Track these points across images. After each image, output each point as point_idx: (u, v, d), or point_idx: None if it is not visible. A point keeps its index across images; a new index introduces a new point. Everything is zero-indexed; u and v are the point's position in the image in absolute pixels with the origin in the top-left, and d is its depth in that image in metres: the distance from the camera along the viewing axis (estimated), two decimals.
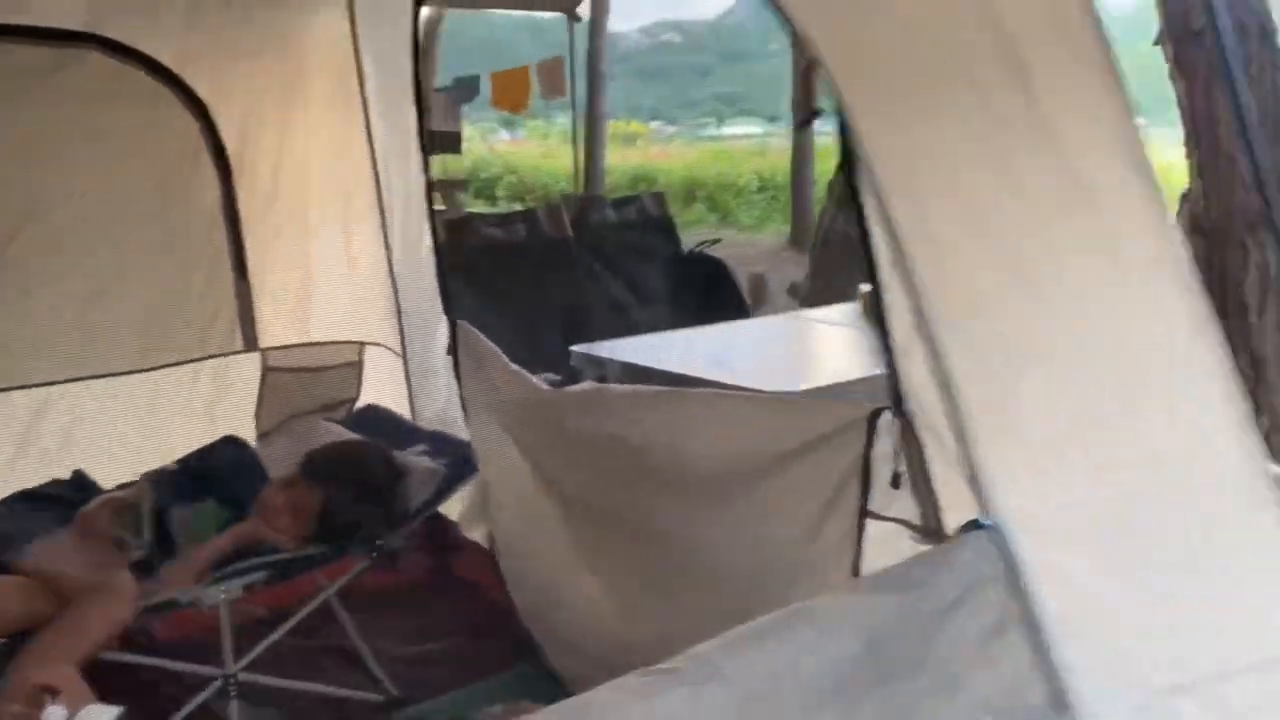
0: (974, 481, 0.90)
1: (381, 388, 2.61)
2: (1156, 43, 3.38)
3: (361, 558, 2.06)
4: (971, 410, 0.90)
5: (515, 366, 1.87)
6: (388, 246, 2.33)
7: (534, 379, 1.85)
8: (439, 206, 4.86)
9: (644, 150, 25.95)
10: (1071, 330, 0.93)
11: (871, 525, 1.28)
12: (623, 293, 3.60)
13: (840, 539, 1.30)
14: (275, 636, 1.99)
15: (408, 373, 2.54)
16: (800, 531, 1.36)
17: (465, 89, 11.49)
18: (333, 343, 2.45)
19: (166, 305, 2.33)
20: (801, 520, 1.36)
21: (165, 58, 2.18)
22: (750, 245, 10.48)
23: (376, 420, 2.51)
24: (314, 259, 2.35)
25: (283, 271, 2.34)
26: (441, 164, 15.00)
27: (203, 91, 2.24)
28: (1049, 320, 0.93)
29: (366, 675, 2.16)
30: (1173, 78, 3.39)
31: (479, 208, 15.88)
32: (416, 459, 2.19)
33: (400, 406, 2.59)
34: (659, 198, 3.52)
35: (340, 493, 1.99)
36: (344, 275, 2.37)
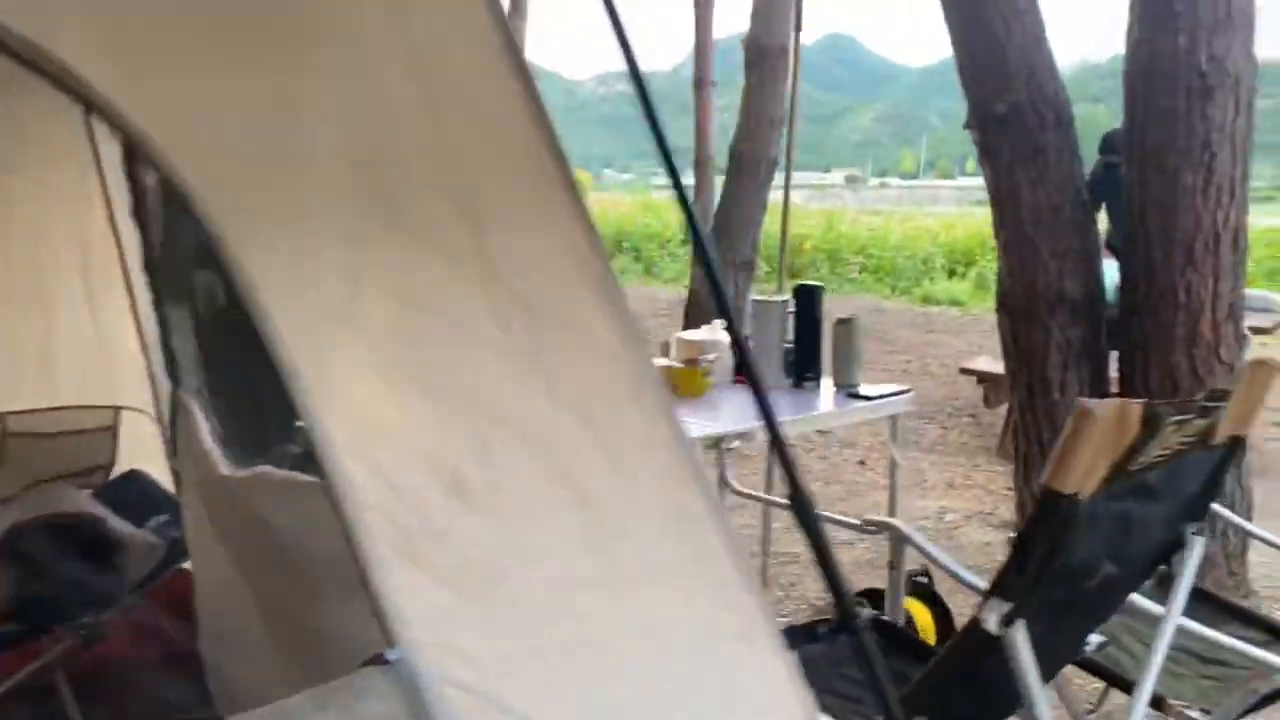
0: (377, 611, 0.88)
1: (154, 455, 2.57)
2: (966, 126, 3.49)
3: (68, 635, 2.00)
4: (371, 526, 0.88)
5: (208, 444, 1.84)
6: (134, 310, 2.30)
7: (216, 455, 1.82)
8: None
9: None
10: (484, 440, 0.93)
11: None
12: None
13: None
14: None
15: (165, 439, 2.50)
16: None
17: None
18: (83, 407, 2.41)
19: None
20: None
21: None
22: (653, 299, 10.55)
23: (131, 488, 2.46)
24: (58, 322, 2.31)
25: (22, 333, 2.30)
26: None
27: None
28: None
29: None
30: (980, 161, 3.49)
31: None
32: (137, 533, 2.14)
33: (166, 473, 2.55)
34: None
35: (37, 569, 1.94)
36: (91, 339, 2.33)
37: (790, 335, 2.62)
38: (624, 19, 1.00)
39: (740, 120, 5.97)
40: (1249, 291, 6.10)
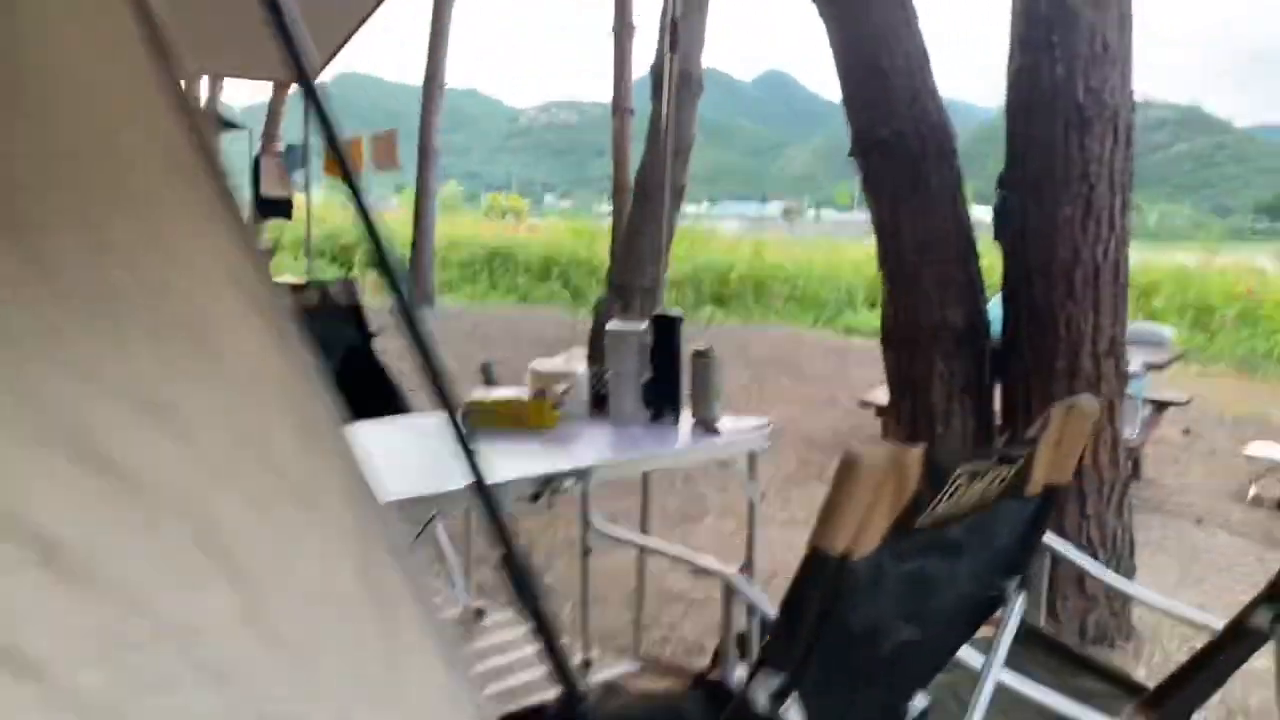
0: None
1: None
2: (850, 154, 3.41)
3: None
4: None
5: None
6: None
7: None
8: None
9: (514, 226, 26.04)
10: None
11: None
12: None
13: None
14: None
15: None
16: None
17: (294, 156, 11.33)
18: None
19: None
20: None
21: None
22: (572, 328, 10.40)
23: None
24: None
25: None
26: (279, 229, 14.69)
27: None
28: None
29: None
30: (863, 190, 3.42)
31: (333, 273, 15.74)
32: None
33: None
34: (349, 285, 3.34)
35: None
36: None
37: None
38: (294, 29, 0.85)
39: (646, 148, 5.88)
40: (1144, 325, 6.14)
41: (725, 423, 2.45)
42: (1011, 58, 3.15)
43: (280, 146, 12.13)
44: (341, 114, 1.03)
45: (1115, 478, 3.25)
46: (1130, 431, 4.76)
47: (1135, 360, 5.03)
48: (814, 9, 3.30)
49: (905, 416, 3.48)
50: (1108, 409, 3.19)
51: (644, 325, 2.45)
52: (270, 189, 11.16)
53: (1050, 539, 1.73)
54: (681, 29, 6.02)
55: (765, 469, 5.43)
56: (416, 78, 11.57)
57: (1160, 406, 5.73)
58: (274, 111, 12.16)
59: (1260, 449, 5.53)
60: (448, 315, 11.62)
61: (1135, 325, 5.68)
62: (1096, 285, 3.10)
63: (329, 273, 15.46)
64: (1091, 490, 3.21)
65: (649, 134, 5.88)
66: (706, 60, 6.30)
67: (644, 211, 5.87)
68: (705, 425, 2.42)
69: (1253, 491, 5.49)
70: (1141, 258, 13.06)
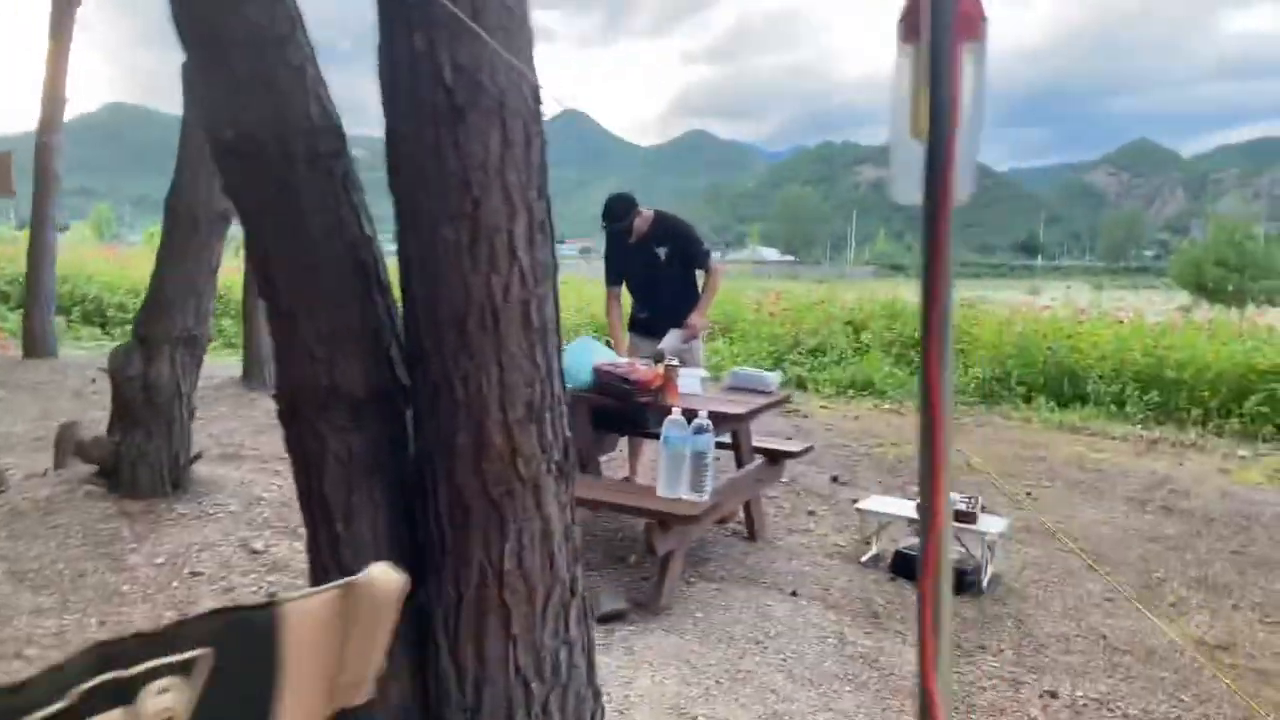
0: None
1: None
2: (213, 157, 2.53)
3: None
4: None
5: None
6: None
7: None
8: None
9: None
10: None
11: None
12: None
13: None
14: None
15: None
16: None
17: None
18: None
19: None
20: None
21: None
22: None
23: None
24: None
25: None
26: None
27: None
28: None
29: None
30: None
31: None
32: None
33: None
34: None
35: None
36: None
37: None
38: None
39: (176, 169, 4.87)
40: (748, 371, 5.60)
41: None
42: (380, 25, 2.36)
43: None
44: None
45: (552, 583, 2.49)
46: (699, 495, 4.10)
47: (737, 406, 4.39)
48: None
49: (307, 508, 2.61)
50: (534, 490, 2.43)
51: None
52: None
53: None
54: None
55: None
56: None
57: (775, 458, 5.17)
58: None
59: (871, 504, 5.03)
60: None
61: (743, 371, 5.09)
62: (496, 331, 2.33)
63: None
64: (517, 604, 2.43)
65: (179, 155, 4.86)
66: None
67: (176, 243, 4.83)
68: None
69: (872, 550, 4.99)
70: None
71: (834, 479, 6.50)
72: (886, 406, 9.81)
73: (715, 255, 5.69)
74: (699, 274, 5.54)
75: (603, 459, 5.74)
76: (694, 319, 5.38)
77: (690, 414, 4.06)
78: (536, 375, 2.42)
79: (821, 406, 9.67)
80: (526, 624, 2.46)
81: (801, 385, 10.68)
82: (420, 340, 2.40)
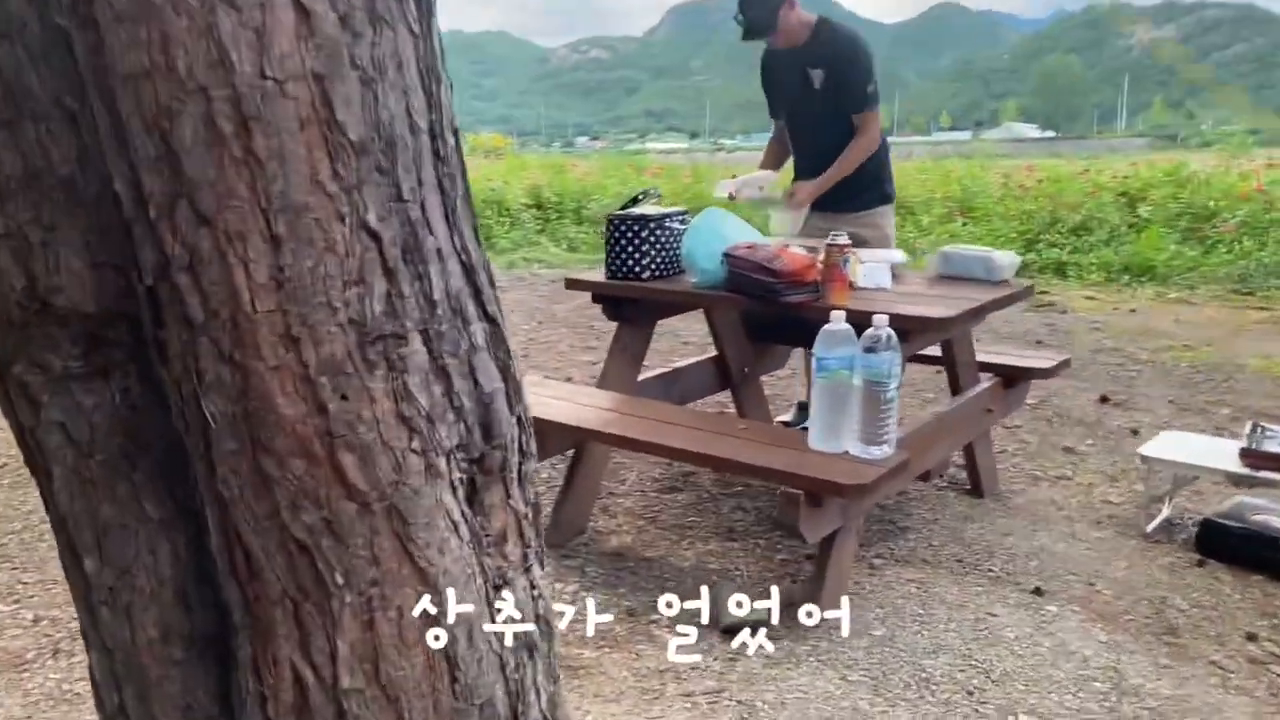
0: None
1: None
2: None
3: None
4: None
5: None
6: None
7: None
8: None
9: (503, 163, 23.48)
10: None
11: None
12: None
13: None
14: None
15: None
16: None
17: None
18: None
19: None
20: None
21: None
22: None
23: None
24: None
25: None
26: None
27: None
28: None
29: None
30: None
31: None
32: None
33: None
34: None
35: None
36: None
37: None
38: None
39: None
40: (966, 250, 3.91)
41: None
42: None
43: None
44: None
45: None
46: (876, 447, 2.59)
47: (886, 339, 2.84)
48: None
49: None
50: (392, 521, 1.10)
51: None
52: None
53: None
54: None
55: None
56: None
57: (1012, 378, 3.54)
58: None
59: (1162, 447, 3.31)
60: None
61: (957, 252, 3.47)
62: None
63: None
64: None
65: None
66: None
67: None
68: None
69: (1163, 514, 3.31)
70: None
71: (1103, 399, 4.73)
72: (1173, 296, 7.67)
73: (878, 109, 3.71)
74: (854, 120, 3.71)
75: (765, 379, 4.29)
76: (803, 188, 3.71)
77: (862, 319, 2.57)
78: (381, 260, 1.06)
79: (1086, 298, 7.67)
80: None
81: (1061, 271, 8.64)
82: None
